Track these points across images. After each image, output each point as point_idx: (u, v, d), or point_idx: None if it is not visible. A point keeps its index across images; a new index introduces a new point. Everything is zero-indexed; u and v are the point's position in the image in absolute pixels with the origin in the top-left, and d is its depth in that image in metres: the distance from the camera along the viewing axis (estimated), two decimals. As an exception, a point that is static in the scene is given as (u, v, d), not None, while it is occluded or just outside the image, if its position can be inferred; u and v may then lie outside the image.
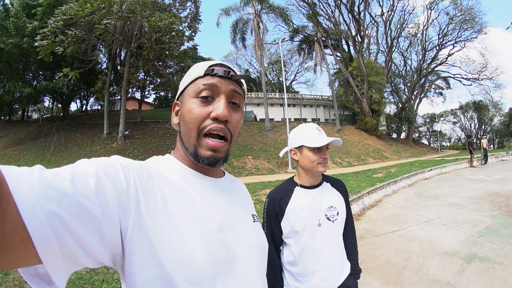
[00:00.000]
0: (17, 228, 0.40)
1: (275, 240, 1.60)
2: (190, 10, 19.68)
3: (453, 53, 37.78)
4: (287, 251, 1.60)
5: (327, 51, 32.28)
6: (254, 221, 0.86)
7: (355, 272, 1.68)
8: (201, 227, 0.67)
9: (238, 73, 0.81)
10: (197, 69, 0.78)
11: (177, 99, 0.82)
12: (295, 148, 1.61)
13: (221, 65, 0.79)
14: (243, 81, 0.82)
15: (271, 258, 1.60)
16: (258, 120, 28.24)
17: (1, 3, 20.09)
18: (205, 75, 0.75)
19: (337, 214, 1.58)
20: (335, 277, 1.56)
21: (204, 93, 0.74)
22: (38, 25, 16.44)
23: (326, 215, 1.55)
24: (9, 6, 19.71)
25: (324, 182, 1.67)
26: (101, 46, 21.46)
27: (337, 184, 1.71)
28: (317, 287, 1.53)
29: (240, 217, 0.80)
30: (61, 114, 28.94)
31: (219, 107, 0.72)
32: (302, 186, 1.62)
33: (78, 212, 0.47)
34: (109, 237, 0.53)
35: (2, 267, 0.42)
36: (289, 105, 26.96)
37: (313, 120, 31.60)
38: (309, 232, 1.52)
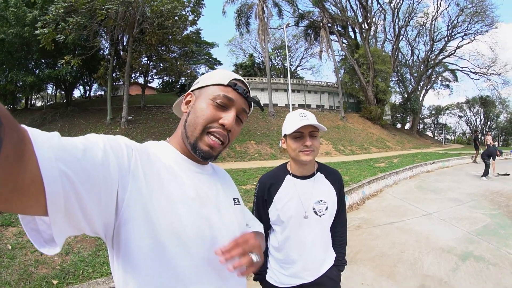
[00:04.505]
0: (35, 180, 0.45)
1: (263, 224, 1.59)
2: (193, -6, 19.34)
3: (462, 46, 36.76)
4: (273, 237, 1.63)
5: (333, 37, 31.74)
6: (235, 204, 0.97)
7: (340, 264, 1.67)
8: (189, 204, 0.77)
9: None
10: (222, 76, 0.88)
11: (192, 91, 0.91)
12: (283, 136, 1.57)
13: (242, 82, 0.90)
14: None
15: None
16: (262, 105, 28.10)
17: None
18: (228, 85, 0.85)
19: (326, 209, 1.54)
20: (315, 267, 1.57)
21: (220, 101, 0.83)
22: (38, 14, 16.26)
23: (314, 209, 1.52)
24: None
25: (318, 173, 1.60)
26: (103, 32, 21.21)
27: (332, 175, 1.64)
28: (297, 275, 1.55)
29: (221, 198, 0.90)
30: (65, 101, 29.00)
31: (229, 118, 0.83)
32: (293, 175, 1.58)
33: (85, 178, 0.53)
34: (105, 206, 0.60)
35: (15, 210, 0.47)
36: (293, 90, 26.68)
37: (317, 107, 31.31)
38: (294, 223, 1.52)
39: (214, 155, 0.85)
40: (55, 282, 2.92)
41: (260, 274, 1.65)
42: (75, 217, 0.54)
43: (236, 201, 0.99)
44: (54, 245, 0.55)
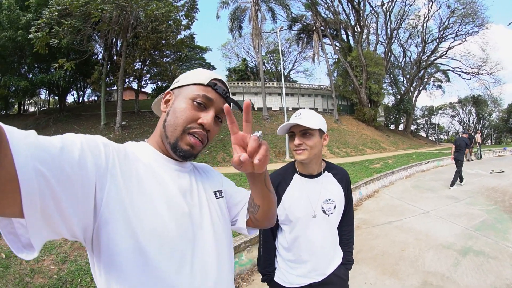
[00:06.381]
0: (10, 179, 0.44)
1: None
2: (187, -1, 19.40)
3: (453, 47, 37.21)
4: (282, 237, 1.61)
5: (326, 40, 31.90)
6: (217, 198, 0.95)
7: (347, 262, 1.68)
8: (170, 202, 0.75)
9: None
10: (202, 76, 0.87)
11: (171, 90, 0.90)
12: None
13: (222, 82, 0.90)
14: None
15: (266, 240, 1.62)
16: (256, 109, 28.05)
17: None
18: (208, 85, 0.85)
19: (334, 207, 1.54)
20: (324, 266, 1.57)
21: (200, 100, 0.83)
22: (32, 17, 16.17)
23: (322, 208, 1.52)
24: (1, -1, 19.40)
25: (326, 172, 1.61)
26: (96, 37, 21.18)
27: (340, 174, 1.64)
28: (307, 274, 1.55)
29: (202, 194, 0.89)
30: (58, 106, 28.80)
31: (208, 117, 0.83)
32: (301, 174, 1.57)
33: (61, 177, 0.52)
34: (82, 206, 0.58)
35: None
36: (287, 94, 26.69)
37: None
38: (302, 223, 1.51)
39: (195, 153, 0.84)
40: None
41: (268, 275, 1.64)
42: (52, 218, 0.52)
43: (218, 194, 0.98)
44: (32, 250, 0.53)
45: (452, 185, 8.53)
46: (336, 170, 1.65)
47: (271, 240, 1.62)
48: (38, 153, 0.48)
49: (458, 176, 8.71)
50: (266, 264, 1.63)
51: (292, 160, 1.68)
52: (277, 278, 1.61)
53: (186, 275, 0.74)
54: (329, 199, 1.54)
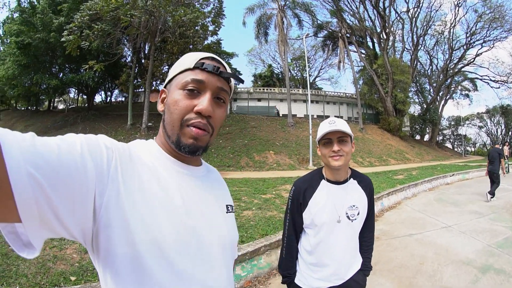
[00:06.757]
0: (3, 185, 0.43)
1: (296, 227, 1.65)
2: (213, 5, 19.86)
3: (481, 53, 36.18)
4: (306, 240, 1.65)
5: (352, 47, 31.73)
6: (227, 212, 0.88)
7: (366, 268, 1.72)
8: (172, 212, 0.69)
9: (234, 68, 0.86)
10: (187, 60, 0.79)
11: (165, 87, 0.84)
12: (317, 144, 1.63)
13: (212, 59, 0.80)
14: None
15: (290, 243, 1.68)
16: (281, 115, 28.11)
17: (28, 0, 20.93)
18: (195, 68, 0.76)
19: (358, 214, 1.59)
20: (344, 271, 1.62)
21: (190, 86, 0.75)
22: (64, 21, 17.09)
23: (346, 214, 1.57)
24: (36, 3, 20.56)
25: (351, 179, 1.64)
26: (125, 40, 21.92)
27: (364, 182, 1.68)
28: (327, 278, 1.59)
29: (212, 205, 0.82)
30: (86, 105, 29.93)
31: (203, 102, 0.74)
32: (328, 180, 1.61)
33: (57, 183, 0.50)
34: (80, 212, 0.55)
35: None
36: (312, 101, 26.59)
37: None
38: (327, 228, 1.56)
39: (202, 146, 0.76)
40: (73, 278, 2.95)
41: (289, 277, 1.69)
42: (50, 222, 0.51)
43: (229, 208, 0.91)
44: (33, 249, 0.52)
45: (492, 196, 8.31)
46: (361, 178, 1.70)
47: (294, 243, 1.68)
48: (32, 158, 0.46)
49: (495, 188, 8.46)
50: (288, 267, 1.68)
51: (319, 167, 1.75)
52: (298, 281, 1.66)
53: None
54: (354, 206, 1.58)
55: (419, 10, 33.37)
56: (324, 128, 1.51)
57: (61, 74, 24.24)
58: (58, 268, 3.10)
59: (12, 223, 0.49)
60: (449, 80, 37.59)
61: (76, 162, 0.54)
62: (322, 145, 1.55)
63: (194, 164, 0.85)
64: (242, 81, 0.86)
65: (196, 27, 17.74)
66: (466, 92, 42.83)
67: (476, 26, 34.46)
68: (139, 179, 0.67)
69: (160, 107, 0.84)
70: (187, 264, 0.69)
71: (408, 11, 33.24)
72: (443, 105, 38.68)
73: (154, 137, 0.85)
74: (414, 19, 33.81)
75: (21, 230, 0.50)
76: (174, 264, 0.66)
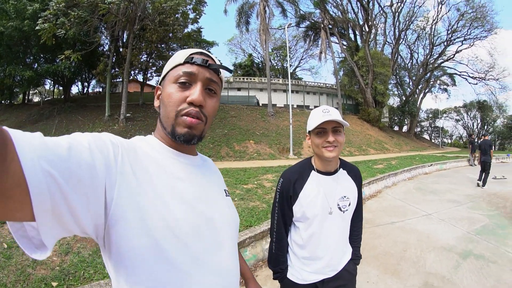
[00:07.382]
0: (18, 182, 0.44)
1: (286, 221, 1.58)
2: (195, -8, 19.33)
3: (461, 50, 36.94)
4: (296, 234, 1.59)
5: (333, 39, 31.72)
6: (226, 196, 0.95)
7: (356, 258, 1.69)
8: (181, 198, 0.74)
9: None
10: (178, 56, 0.84)
11: (159, 84, 0.89)
12: (307, 133, 1.56)
13: (201, 53, 0.85)
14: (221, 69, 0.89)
15: (279, 238, 1.61)
16: (260, 105, 27.93)
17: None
18: (185, 62, 0.82)
19: (349, 204, 1.55)
20: (337, 262, 1.58)
21: (182, 79, 0.80)
22: (39, 7, 16.11)
23: (338, 205, 1.52)
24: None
25: (341, 169, 1.60)
26: (103, 28, 21.18)
27: (353, 171, 1.65)
28: (320, 271, 1.56)
29: (212, 191, 0.88)
30: (62, 96, 28.96)
31: (195, 93, 0.79)
32: (318, 171, 1.56)
33: (71, 178, 0.51)
34: (93, 206, 0.57)
35: (2, 217, 0.46)
36: (292, 91, 26.61)
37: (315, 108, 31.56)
38: (319, 220, 1.51)
39: (196, 134, 0.81)
40: (54, 284, 2.79)
41: (281, 272, 1.63)
42: (63, 217, 0.52)
43: (226, 193, 0.98)
44: (45, 249, 0.53)
45: (484, 184, 9.23)
46: (350, 168, 1.65)
47: (284, 238, 1.61)
48: (45, 154, 0.48)
49: (487, 176, 9.37)
50: (279, 262, 1.62)
51: (295, 157, 1.65)
52: (290, 275, 1.60)
53: (200, 275, 0.73)
54: (345, 196, 1.54)
55: (402, 5, 33.69)
56: (318, 117, 1.43)
57: (36, 64, 23.01)
58: (38, 273, 2.90)
59: (24, 221, 0.50)
60: (428, 74, 38.33)
61: (86, 158, 0.56)
62: (315, 134, 1.47)
63: (192, 154, 0.91)
64: (230, 71, 0.91)
65: (177, 15, 17.27)
66: (445, 86, 43.84)
67: (457, 24, 35.11)
68: (147, 170, 0.71)
69: (156, 103, 0.89)
70: (200, 247, 0.74)
71: (391, 5, 33.54)
72: (422, 98, 39.50)
73: (152, 133, 0.90)
74: (397, 13, 34.16)
75: (32, 234, 0.52)
76: (190, 247, 0.71)
